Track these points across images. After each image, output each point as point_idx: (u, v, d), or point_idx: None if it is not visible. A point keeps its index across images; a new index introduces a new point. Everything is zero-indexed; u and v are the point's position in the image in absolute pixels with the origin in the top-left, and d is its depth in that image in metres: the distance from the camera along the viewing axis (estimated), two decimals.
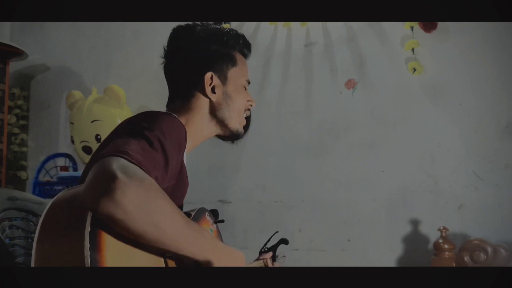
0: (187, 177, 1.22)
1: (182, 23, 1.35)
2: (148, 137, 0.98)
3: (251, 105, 1.38)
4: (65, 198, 0.90)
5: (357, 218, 2.46)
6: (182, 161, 1.17)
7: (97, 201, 0.81)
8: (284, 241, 1.55)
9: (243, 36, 1.38)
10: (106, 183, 0.82)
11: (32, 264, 0.84)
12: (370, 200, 2.43)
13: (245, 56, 1.39)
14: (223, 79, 1.31)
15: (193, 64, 1.31)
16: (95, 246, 0.82)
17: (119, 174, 0.83)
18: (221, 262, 0.98)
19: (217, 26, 1.36)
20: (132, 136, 0.98)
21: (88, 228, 0.82)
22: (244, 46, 1.37)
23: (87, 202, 0.83)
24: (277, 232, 1.56)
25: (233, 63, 1.33)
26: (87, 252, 0.80)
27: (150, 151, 0.96)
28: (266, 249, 1.54)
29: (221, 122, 1.32)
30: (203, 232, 0.98)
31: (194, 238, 0.94)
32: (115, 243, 0.86)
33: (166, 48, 1.35)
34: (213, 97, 1.29)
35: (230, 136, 1.36)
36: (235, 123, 1.34)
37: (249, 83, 1.39)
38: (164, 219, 0.88)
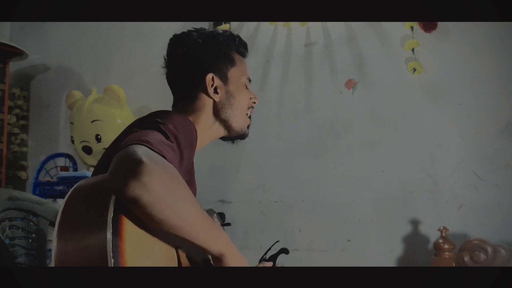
0: (194, 178, 1.26)
1: (178, 32, 1.37)
2: (164, 130, 1.02)
3: (254, 103, 1.39)
4: (86, 185, 0.91)
5: (357, 218, 2.46)
6: (193, 161, 1.20)
7: (125, 184, 0.83)
8: (284, 251, 1.54)
9: (238, 36, 1.40)
10: (133, 168, 0.84)
11: (53, 250, 0.84)
12: (370, 200, 2.43)
13: (243, 55, 1.41)
14: (224, 79, 1.33)
15: (194, 67, 1.33)
16: (117, 231, 0.83)
17: (145, 159, 0.85)
18: (232, 257, 1.00)
19: (212, 30, 1.39)
20: (149, 129, 1.02)
21: (110, 214, 0.83)
22: (240, 45, 1.39)
23: (114, 186, 0.85)
24: (277, 241, 1.56)
25: (232, 63, 1.35)
26: (109, 237, 0.81)
27: (168, 143, 0.99)
28: (266, 258, 1.52)
29: (225, 122, 1.34)
30: (217, 225, 1.03)
31: (210, 229, 0.97)
32: (135, 230, 0.87)
33: (166, 57, 1.37)
34: (216, 97, 1.31)
35: (236, 137, 1.38)
36: (239, 122, 1.35)
37: (250, 81, 1.40)
38: (186, 206, 0.90)
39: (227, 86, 1.33)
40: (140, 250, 0.88)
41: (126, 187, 0.83)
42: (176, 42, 1.36)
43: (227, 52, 1.35)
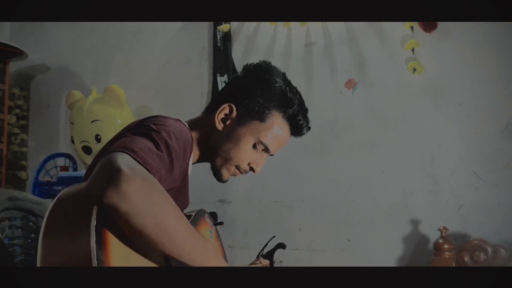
0: (188, 189, 1.22)
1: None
2: (155, 138, 1.00)
3: (251, 169, 1.31)
4: (70, 193, 0.91)
5: (357, 218, 2.46)
6: (187, 170, 1.17)
7: (103, 192, 0.82)
8: (281, 246, 1.53)
9: (304, 116, 1.32)
10: (111, 175, 0.83)
11: (38, 259, 0.84)
12: (370, 200, 2.43)
13: (292, 132, 1.33)
14: (239, 121, 1.26)
15: (236, 89, 1.29)
16: (101, 240, 0.82)
17: (124, 168, 0.84)
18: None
19: (296, 90, 1.34)
20: (139, 135, 1.00)
21: (94, 222, 0.82)
22: (295, 122, 1.31)
23: (92, 193, 0.84)
24: (274, 237, 1.55)
25: (263, 119, 1.26)
26: (93, 245, 0.80)
27: (156, 152, 0.96)
28: (263, 254, 1.52)
29: (209, 150, 1.27)
30: (203, 239, 0.96)
31: (195, 245, 0.92)
32: (120, 237, 0.87)
33: (249, 68, 1.35)
34: (219, 126, 1.26)
35: (213, 173, 1.30)
36: (219, 165, 1.27)
37: (267, 151, 1.30)
38: (166, 218, 0.87)
39: (238, 126, 1.25)
40: (125, 257, 0.87)
41: (104, 195, 0.82)
42: (270, 71, 1.34)
43: (273, 111, 1.27)
